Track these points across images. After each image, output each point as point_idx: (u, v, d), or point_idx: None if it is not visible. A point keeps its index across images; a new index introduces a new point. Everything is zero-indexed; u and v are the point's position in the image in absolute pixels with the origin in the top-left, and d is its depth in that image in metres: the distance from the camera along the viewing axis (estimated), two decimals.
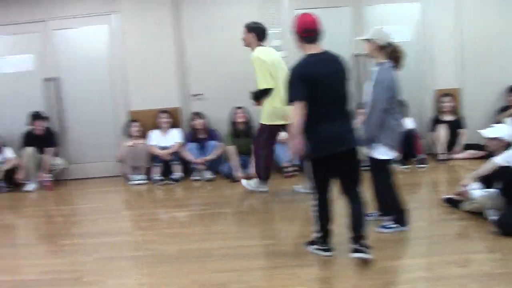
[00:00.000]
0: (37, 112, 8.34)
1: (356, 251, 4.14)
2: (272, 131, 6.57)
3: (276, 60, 6.56)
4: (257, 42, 6.61)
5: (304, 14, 4.34)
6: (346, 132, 4.22)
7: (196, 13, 8.40)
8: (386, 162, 4.86)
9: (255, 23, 6.71)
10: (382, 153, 4.76)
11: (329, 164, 4.20)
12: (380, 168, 4.84)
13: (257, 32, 6.62)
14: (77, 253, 5.18)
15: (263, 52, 6.51)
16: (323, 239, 4.41)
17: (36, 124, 8.28)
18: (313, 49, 4.25)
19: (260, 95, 6.49)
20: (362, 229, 4.18)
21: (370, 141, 4.74)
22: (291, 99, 4.12)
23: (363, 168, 4.43)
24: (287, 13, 8.29)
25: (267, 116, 6.47)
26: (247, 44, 6.71)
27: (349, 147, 4.18)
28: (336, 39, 8.14)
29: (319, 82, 4.09)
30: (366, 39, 4.84)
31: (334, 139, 4.14)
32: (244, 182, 7.09)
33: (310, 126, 4.12)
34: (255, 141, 6.88)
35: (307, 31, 4.25)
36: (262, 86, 6.38)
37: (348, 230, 4.21)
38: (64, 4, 8.51)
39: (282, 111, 5.97)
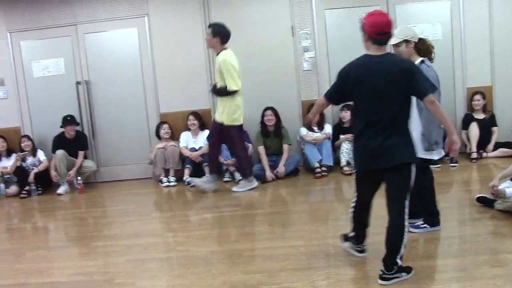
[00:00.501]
0: (68, 116, 8.38)
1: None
2: (238, 130, 7.09)
3: (236, 62, 6.93)
4: (221, 46, 6.87)
5: (379, 14, 3.88)
6: (389, 148, 3.74)
7: (226, 15, 8.35)
8: (430, 161, 4.74)
9: (220, 26, 6.92)
10: (433, 152, 4.65)
11: (366, 178, 3.99)
12: (424, 168, 4.56)
13: (222, 36, 6.86)
14: (109, 255, 5.17)
15: (230, 55, 6.84)
16: (357, 240, 4.30)
17: (67, 128, 8.33)
18: (376, 50, 3.81)
19: (223, 93, 6.88)
20: (389, 249, 3.81)
21: (432, 144, 4.57)
22: (325, 93, 4.10)
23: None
24: (317, 13, 8.22)
25: (231, 117, 6.92)
26: (211, 47, 7.10)
27: (388, 165, 3.75)
28: None
29: (358, 85, 3.79)
30: (404, 41, 4.61)
31: (370, 155, 3.80)
32: (235, 188, 7.28)
33: (354, 136, 4.02)
34: (230, 146, 7.49)
35: (381, 34, 3.78)
36: (232, 87, 6.80)
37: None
38: (94, 8, 8.59)
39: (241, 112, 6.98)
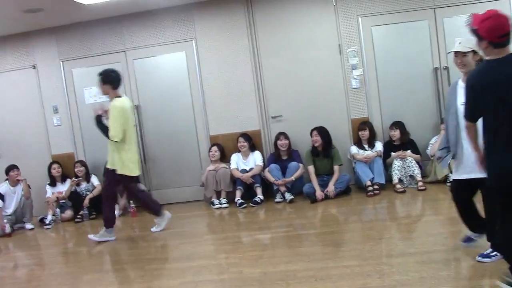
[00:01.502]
0: None
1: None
2: (124, 179, 6.77)
3: (130, 109, 6.76)
4: (114, 92, 6.65)
5: (495, 16, 3.42)
6: None
7: (272, 34, 8.40)
8: None
9: (108, 72, 6.70)
10: None
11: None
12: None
13: (112, 82, 6.64)
14: (163, 277, 5.18)
15: (122, 104, 6.58)
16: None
17: None
18: (499, 53, 3.41)
19: (103, 131, 6.61)
20: None
21: None
22: (465, 117, 3.66)
23: None
24: (364, 31, 8.18)
25: (124, 166, 6.65)
26: (104, 94, 6.84)
27: None
28: (415, 53, 8.00)
29: (493, 93, 3.38)
30: (471, 51, 4.21)
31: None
32: (91, 235, 6.94)
33: (488, 150, 3.54)
34: (104, 190, 7.13)
35: (503, 36, 3.38)
36: (114, 137, 6.47)
37: None
38: (143, 34, 8.77)
39: (136, 164, 6.78)
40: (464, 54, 4.24)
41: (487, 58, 3.49)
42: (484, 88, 3.40)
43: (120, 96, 6.68)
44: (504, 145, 3.38)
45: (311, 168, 7.91)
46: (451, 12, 7.98)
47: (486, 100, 3.40)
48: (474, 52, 4.21)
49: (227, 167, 8.27)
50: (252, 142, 8.40)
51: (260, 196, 8.00)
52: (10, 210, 8.28)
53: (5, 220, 8.03)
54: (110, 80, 6.63)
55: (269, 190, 8.16)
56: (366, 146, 7.99)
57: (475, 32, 3.46)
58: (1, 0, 7.01)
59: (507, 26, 3.38)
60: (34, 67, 9.15)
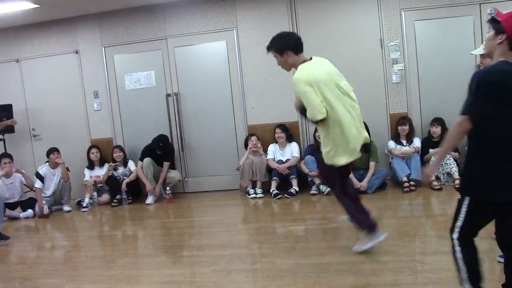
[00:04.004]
0: (160, 142, 8.56)
1: None
2: None
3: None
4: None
5: None
6: None
7: (314, 26, 8.34)
8: None
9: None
10: None
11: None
12: None
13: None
14: (195, 264, 5.23)
15: None
16: None
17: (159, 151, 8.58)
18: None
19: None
20: None
21: None
22: (463, 109, 3.15)
23: None
24: (407, 25, 8.07)
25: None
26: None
27: None
28: (458, 49, 7.85)
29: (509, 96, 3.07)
30: None
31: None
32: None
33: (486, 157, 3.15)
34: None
35: None
36: None
37: None
38: (184, 22, 8.80)
39: None
40: (483, 56, 4.15)
41: (502, 59, 3.14)
42: (504, 90, 3.06)
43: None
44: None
45: None
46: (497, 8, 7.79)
47: (489, 102, 3.06)
48: None
49: (263, 157, 8.27)
50: (289, 133, 8.38)
51: (295, 187, 7.98)
52: (49, 191, 8.45)
53: (44, 201, 8.19)
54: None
55: (305, 182, 8.14)
56: (404, 142, 7.91)
57: (497, 23, 3.16)
58: None
59: None
60: (76, 52, 9.28)
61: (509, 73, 3.08)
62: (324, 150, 4.82)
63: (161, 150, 8.52)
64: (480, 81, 3.07)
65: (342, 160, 4.76)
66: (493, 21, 3.19)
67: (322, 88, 4.59)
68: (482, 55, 4.26)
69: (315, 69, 4.73)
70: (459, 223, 3.28)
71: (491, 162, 3.10)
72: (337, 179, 5.01)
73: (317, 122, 4.67)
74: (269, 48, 4.93)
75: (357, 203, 5.05)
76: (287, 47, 4.83)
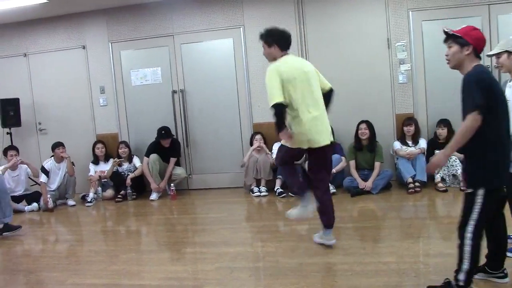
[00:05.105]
0: (163, 130, 8.60)
1: None
2: None
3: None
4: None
5: (477, 29, 3.72)
6: None
7: (321, 25, 8.33)
8: None
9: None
10: None
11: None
12: None
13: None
14: (199, 261, 5.23)
15: None
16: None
17: (163, 142, 8.57)
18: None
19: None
20: None
21: None
22: (472, 105, 3.40)
23: None
24: (414, 25, 8.04)
25: None
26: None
27: None
28: None
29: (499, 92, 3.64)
30: (506, 51, 4.32)
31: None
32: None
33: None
34: None
35: (481, 48, 3.69)
36: None
37: None
38: (191, 19, 8.80)
39: None
40: (498, 55, 4.42)
41: (474, 64, 3.63)
42: (493, 85, 3.55)
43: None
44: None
45: (352, 163, 7.88)
46: (506, 9, 7.76)
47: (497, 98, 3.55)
48: (508, 52, 4.33)
49: (268, 155, 8.26)
50: None
51: None
52: (54, 186, 8.48)
53: (49, 196, 8.22)
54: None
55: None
56: (409, 143, 7.89)
57: (458, 38, 3.67)
58: None
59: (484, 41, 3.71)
60: (83, 47, 9.30)
61: (489, 72, 3.69)
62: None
63: (164, 138, 8.54)
64: (476, 79, 3.49)
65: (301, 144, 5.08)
66: (454, 37, 3.69)
67: (288, 82, 4.98)
68: (497, 56, 4.43)
69: (286, 63, 5.14)
70: (474, 216, 3.50)
71: (492, 152, 3.49)
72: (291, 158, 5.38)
73: (274, 107, 4.86)
74: (261, 36, 5.42)
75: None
76: (276, 41, 5.30)
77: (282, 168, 5.69)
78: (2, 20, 9.19)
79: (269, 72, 5.10)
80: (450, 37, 3.73)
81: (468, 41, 3.62)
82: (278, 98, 4.85)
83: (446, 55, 3.77)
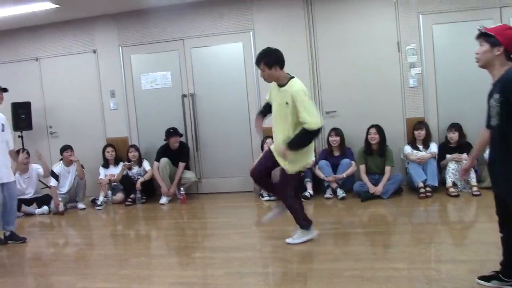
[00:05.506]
0: (171, 128, 8.64)
1: None
2: None
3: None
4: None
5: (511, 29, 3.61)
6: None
7: (330, 28, 8.32)
8: None
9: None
10: None
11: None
12: None
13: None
14: (208, 266, 5.21)
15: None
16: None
17: (171, 140, 8.55)
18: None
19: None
20: None
21: None
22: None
23: None
24: (424, 28, 8.01)
25: None
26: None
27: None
28: None
29: None
30: None
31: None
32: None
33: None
34: None
35: None
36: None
37: None
38: (201, 23, 8.81)
39: None
40: None
41: (506, 68, 3.52)
42: None
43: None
44: None
45: (362, 168, 7.84)
46: None
47: None
48: None
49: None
50: None
51: (310, 191, 7.95)
52: (64, 189, 8.51)
53: (59, 199, 8.24)
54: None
55: (320, 186, 8.10)
56: (420, 147, 7.84)
57: (490, 37, 3.54)
58: None
59: None
60: (94, 51, 9.34)
61: None
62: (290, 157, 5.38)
63: (173, 135, 8.56)
64: None
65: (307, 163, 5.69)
66: (486, 36, 3.55)
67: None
68: None
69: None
70: None
71: None
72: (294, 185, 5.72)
73: (318, 130, 5.19)
74: (258, 61, 5.37)
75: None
76: (276, 62, 5.36)
77: (286, 201, 5.78)
78: (15, 25, 9.25)
79: (303, 91, 5.34)
80: (482, 35, 3.61)
81: (499, 41, 3.49)
82: (321, 122, 5.17)
83: (476, 53, 3.65)
